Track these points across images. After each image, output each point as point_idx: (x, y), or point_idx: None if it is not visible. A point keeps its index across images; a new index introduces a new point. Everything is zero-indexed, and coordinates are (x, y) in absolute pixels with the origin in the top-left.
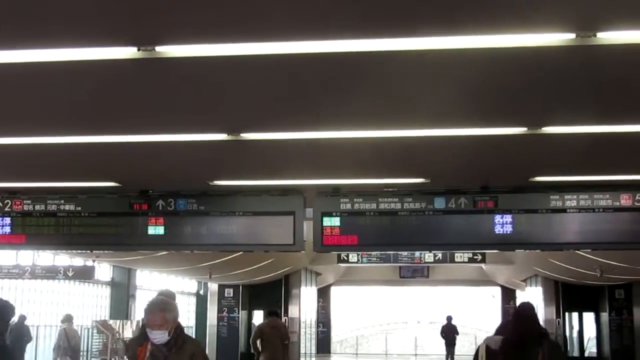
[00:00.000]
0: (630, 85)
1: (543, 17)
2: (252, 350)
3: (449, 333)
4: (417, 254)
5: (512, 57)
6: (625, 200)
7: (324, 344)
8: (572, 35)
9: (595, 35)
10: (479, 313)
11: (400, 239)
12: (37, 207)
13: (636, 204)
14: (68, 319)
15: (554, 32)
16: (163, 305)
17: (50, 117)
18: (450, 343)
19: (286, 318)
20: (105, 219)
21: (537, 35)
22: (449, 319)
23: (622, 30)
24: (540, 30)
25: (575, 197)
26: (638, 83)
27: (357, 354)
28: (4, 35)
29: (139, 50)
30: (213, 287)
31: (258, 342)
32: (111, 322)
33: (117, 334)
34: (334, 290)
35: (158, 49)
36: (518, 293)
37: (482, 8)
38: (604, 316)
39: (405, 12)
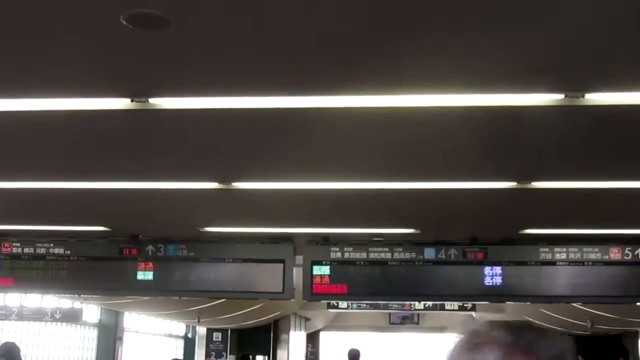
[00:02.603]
0: (617, 144)
1: (533, 79)
2: None
3: None
4: (406, 301)
5: (503, 115)
6: (614, 253)
7: None
8: (561, 96)
9: (583, 96)
10: None
11: (390, 288)
12: (26, 250)
13: (625, 257)
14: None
15: (543, 93)
16: None
17: (43, 163)
18: None
19: None
20: (94, 263)
21: (527, 95)
22: None
23: (610, 92)
24: (530, 91)
25: (564, 250)
26: (625, 142)
27: None
28: None
29: (132, 101)
30: (201, 330)
31: None
32: None
33: None
34: (323, 336)
35: (151, 100)
36: None
37: (475, 68)
38: None
39: (395, 70)
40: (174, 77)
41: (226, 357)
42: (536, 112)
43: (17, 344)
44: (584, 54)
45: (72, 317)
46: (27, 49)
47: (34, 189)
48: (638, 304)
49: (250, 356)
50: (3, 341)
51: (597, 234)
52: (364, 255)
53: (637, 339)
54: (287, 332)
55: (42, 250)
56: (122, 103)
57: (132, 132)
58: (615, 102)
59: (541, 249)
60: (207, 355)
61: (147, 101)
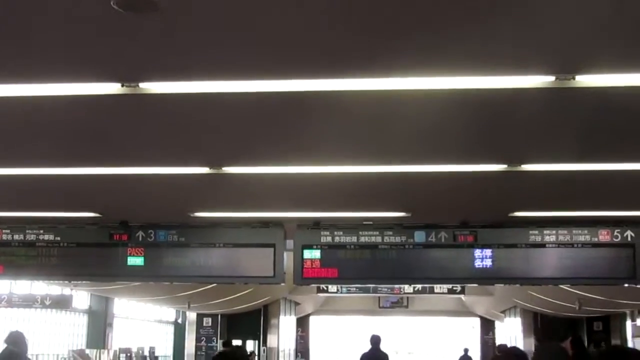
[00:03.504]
0: (607, 126)
1: (525, 61)
2: None
3: None
4: (396, 284)
5: (493, 98)
6: (603, 236)
7: None
8: (552, 78)
9: (574, 78)
10: (458, 344)
11: (380, 272)
12: (16, 237)
13: (614, 239)
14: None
15: (534, 75)
16: None
17: (32, 149)
18: None
19: (264, 348)
20: (84, 249)
21: (518, 77)
22: (466, 350)
23: (600, 74)
24: (520, 73)
25: (554, 232)
26: (615, 124)
27: None
28: None
29: (122, 86)
30: (191, 316)
31: None
32: (88, 351)
33: None
34: (313, 320)
35: (142, 85)
36: (497, 324)
37: (467, 52)
38: None
39: (387, 51)
40: (165, 61)
41: (216, 342)
42: (527, 95)
43: (8, 331)
44: (574, 36)
45: (62, 303)
46: (14, 33)
47: (23, 175)
48: (626, 285)
49: (241, 341)
50: None
51: (587, 216)
52: (354, 239)
53: (625, 320)
54: (277, 316)
55: (32, 237)
56: (112, 88)
57: (122, 117)
58: (606, 85)
59: (531, 232)
60: (198, 340)
61: (138, 86)
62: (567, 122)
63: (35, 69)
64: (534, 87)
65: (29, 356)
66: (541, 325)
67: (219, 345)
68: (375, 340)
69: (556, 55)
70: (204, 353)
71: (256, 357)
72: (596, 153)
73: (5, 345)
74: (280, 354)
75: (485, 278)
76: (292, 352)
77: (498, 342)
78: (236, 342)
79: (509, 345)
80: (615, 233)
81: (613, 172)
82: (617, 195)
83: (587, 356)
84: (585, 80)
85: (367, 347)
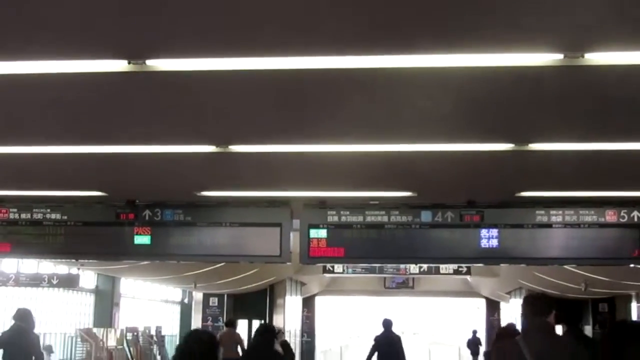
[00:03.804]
0: (616, 105)
1: (532, 38)
2: None
3: (474, 345)
4: (402, 265)
5: (500, 76)
6: (610, 216)
7: (308, 353)
8: (560, 56)
9: (583, 56)
10: (463, 325)
11: (386, 251)
12: (23, 216)
13: (621, 220)
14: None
15: (542, 53)
16: None
17: (39, 128)
18: (474, 353)
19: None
20: (91, 228)
21: (526, 55)
22: (474, 332)
23: (610, 51)
24: (528, 51)
25: (560, 212)
26: (624, 103)
27: None
28: None
29: (129, 63)
30: (198, 296)
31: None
32: (95, 330)
33: (101, 342)
34: (319, 300)
35: (148, 62)
36: (502, 305)
37: (472, 28)
38: (587, 329)
39: (394, 30)
40: (172, 38)
41: (222, 322)
42: (534, 73)
43: (16, 309)
44: (583, 13)
45: (69, 282)
46: (21, 9)
47: (30, 154)
48: (632, 266)
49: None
50: (1, 307)
51: (594, 197)
52: (360, 218)
53: (630, 302)
54: (283, 296)
55: (39, 216)
56: (118, 65)
57: (128, 94)
58: (616, 63)
59: (537, 212)
60: (204, 320)
61: (144, 63)
62: (575, 101)
63: (41, 45)
64: (542, 65)
65: (36, 332)
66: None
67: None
68: (388, 324)
69: (565, 33)
70: None
71: (284, 335)
72: (605, 132)
73: (13, 322)
74: (286, 334)
75: (492, 258)
76: (298, 332)
77: (503, 323)
78: (242, 322)
79: (515, 327)
80: (622, 213)
81: (621, 152)
82: (625, 175)
83: (579, 331)
84: (595, 58)
85: (373, 327)
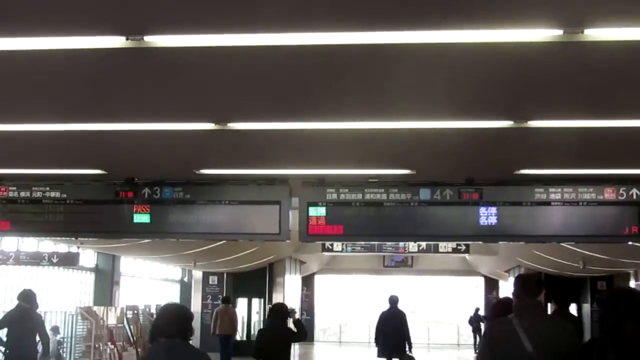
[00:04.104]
0: (616, 82)
1: (531, 13)
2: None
3: (476, 322)
4: (401, 243)
5: (499, 52)
6: (608, 194)
7: (308, 331)
8: (560, 32)
9: (582, 32)
10: (462, 303)
11: (385, 229)
12: (22, 194)
13: (619, 197)
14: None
15: (541, 28)
16: None
17: (37, 105)
18: (476, 330)
19: (269, 306)
20: (90, 206)
21: (525, 31)
22: (477, 310)
23: (610, 27)
24: (527, 26)
25: (559, 190)
26: (624, 79)
27: (340, 342)
28: None
29: (127, 39)
30: (197, 274)
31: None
32: (95, 308)
33: (102, 321)
34: (318, 279)
35: (146, 38)
36: (501, 283)
37: (470, 3)
38: (586, 307)
39: (393, 5)
40: (170, 13)
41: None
42: (533, 49)
43: (17, 288)
44: None
45: (69, 260)
46: None
47: (29, 132)
48: (630, 243)
49: (247, 299)
50: (1, 285)
51: (592, 174)
52: (359, 196)
53: (629, 280)
54: (283, 275)
55: (39, 194)
56: (116, 42)
57: (127, 71)
58: (616, 39)
59: (536, 189)
60: (204, 298)
61: (143, 39)
62: (574, 78)
63: (38, 22)
64: (541, 41)
65: (39, 312)
66: (545, 285)
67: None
68: (394, 300)
69: (564, 8)
70: (209, 311)
71: (296, 314)
72: (604, 109)
73: (17, 302)
74: None
75: (490, 235)
76: (298, 311)
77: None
78: (242, 300)
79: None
80: (621, 191)
81: (620, 129)
82: (624, 152)
83: (567, 311)
84: (594, 34)
85: (371, 305)
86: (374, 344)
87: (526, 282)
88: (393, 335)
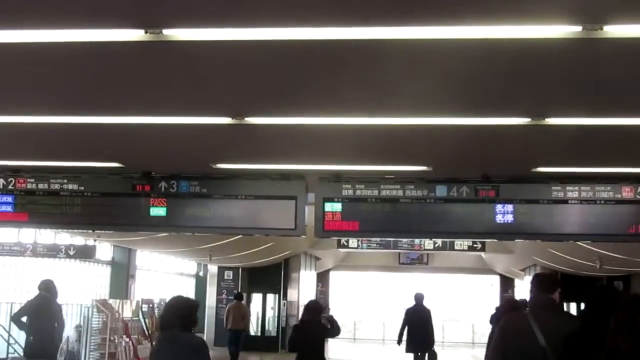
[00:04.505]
0: (635, 79)
1: (550, 10)
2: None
3: (497, 320)
4: (417, 241)
5: (518, 49)
6: (626, 192)
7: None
8: (579, 28)
9: (602, 29)
10: (477, 301)
11: (401, 225)
12: (41, 186)
13: (637, 196)
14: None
15: (560, 25)
16: None
17: (56, 97)
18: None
19: (285, 301)
20: (107, 199)
21: (544, 27)
22: (498, 309)
23: (629, 24)
24: (547, 23)
25: (576, 188)
26: None
27: (354, 338)
28: (11, 15)
29: (146, 33)
30: (212, 269)
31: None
32: (111, 301)
33: (117, 314)
34: (333, 275)
35: (165, 32)
36: (517, 282)
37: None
38: None
39: (411, 0)
40: (189, 6)
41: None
42: (552, 46)
43: (33, 280)
44: None
45: (85, 253)
46: None
47: (47, 124)
48: None
49: (261, 294)
50: (19, 277)
51: (610, 173)
52: (375, 192)
53: None
54: (298, 271)
55: (56, 186)
56: (135, 35)
57: (145, 64)
58: (635, 35)
59: (553, 187)
60: (219, 293)
61: (161, 32)
62: (593, 75)
63: (59, 14)
64: (560, 37)
65: (58, 301)
66: (561, 284)
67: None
68: (419, 297)
69: (583, 4)
70: (224, 306)
71: (330, 311)
72: (622, 107)
73: (38, 292)
74: (300, 308)
75: (506, 233)
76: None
77: (517, 297)
78: (256, 296)
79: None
80: (639, 190)
81: (638, 127)
82: None
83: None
84: (614, 30)
85: (386, 302)
86: (397, 341)
87: (543, 280)
88: (419, 331)
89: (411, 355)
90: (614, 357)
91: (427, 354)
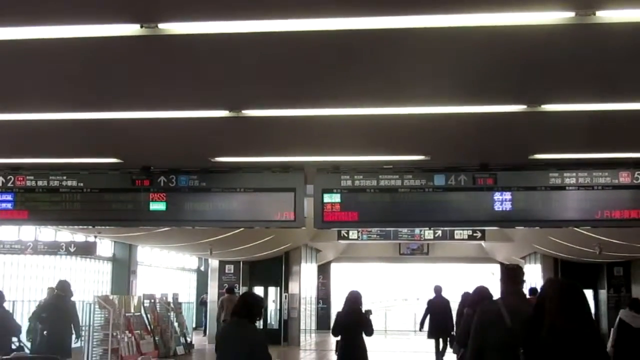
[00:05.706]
0: (629, 64)
1: None
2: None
3: None
4: (416, 231)
5: (511, 35)
6: (624, 177)
7: (324, 320)
8: (572, 14)
9: (594, 14)
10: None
11: (400, 215)
12: (40, 183)
13: (635, 181)
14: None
15: (553, 11)
16: None
17: (53, 94)
18: None
19: (286, 294)
20: (107, 195)
21: (537, 13)
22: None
23: (622, 9)
24: (539, 9)
25: (574, 174)
26: (637, 61)
27: None
28: (7, 12)
29: (141, 27)
30: (214, 263)
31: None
32: (112, 297)
33: (119, 309)
34: (334, 267)
35: (161, 26)
36: None
37: None
38: (602, 293)
39: None
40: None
41: (238, 289)
42: (546, 31)
43: (35, 278)
44: None
45: (86, 250)
46: None
47: (45, 121)
48: None
49: (263, 288)
50: (20, 275)
51: (607, 158)
52: (374, 182)
53: None
54: (299, 263)
55: (56, 183)
56: (131, 29)
57: (141, 59)
58: (628, 20)
59: (551, 174)
60: (220, 287)
61: (157, 27)
62: (587, 60)
63: (53, 10)
64: (553, 23)
65: (73, 300)
66: (562, 271)
67: (241, 292)
68: (438, 289)
69: None
70: None
71: (371, 314)
72: (618, 92)
73: (55, 291)
74: (302, 301)
75: (505, 221)
76: (314, 299)
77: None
78: (258, 289)
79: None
80: (636, 175)
81: (635, 112)
82: (639, 135)
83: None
84: (607, 15)
85: (388, 293)
86: (419, 328)
87: (510, 272)
88: (440, 319)
89: (432, 341)
90: (552, 331)
91: (447, 339)
